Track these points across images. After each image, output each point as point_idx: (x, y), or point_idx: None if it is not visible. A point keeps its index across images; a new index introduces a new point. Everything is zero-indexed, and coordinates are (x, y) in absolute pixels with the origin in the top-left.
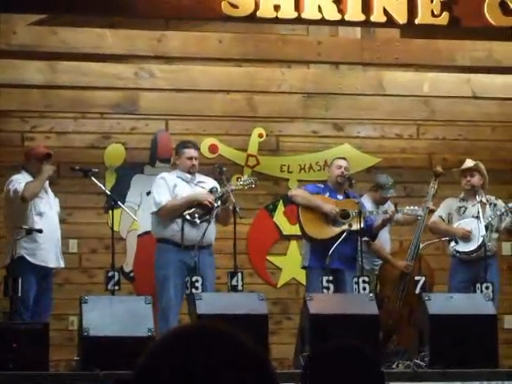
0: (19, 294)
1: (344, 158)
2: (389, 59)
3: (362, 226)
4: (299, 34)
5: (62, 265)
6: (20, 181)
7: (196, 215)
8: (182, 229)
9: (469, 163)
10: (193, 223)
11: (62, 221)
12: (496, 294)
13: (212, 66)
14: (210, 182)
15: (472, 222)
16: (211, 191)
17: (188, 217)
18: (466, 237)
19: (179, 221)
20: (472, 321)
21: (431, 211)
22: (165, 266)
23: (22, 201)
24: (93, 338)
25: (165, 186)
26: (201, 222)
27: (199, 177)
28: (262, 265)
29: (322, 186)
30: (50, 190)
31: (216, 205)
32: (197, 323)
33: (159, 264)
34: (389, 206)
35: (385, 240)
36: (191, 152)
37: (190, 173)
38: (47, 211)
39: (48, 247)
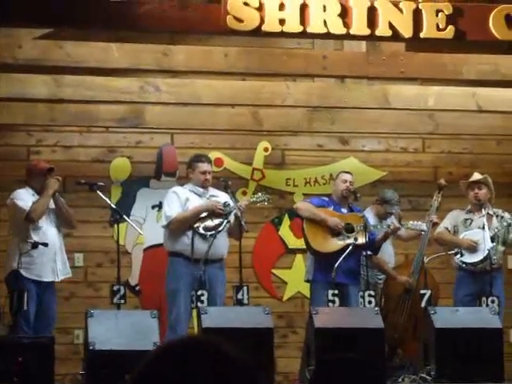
0: (17, 308)
1: (349, 172)
2: (394, 73)
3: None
4: (304, 48)
5: (59, 279)
6: (24, 198)
7: (208, 228)
8: (192, 242)
9: (477, 176)
10: (203, 236)
11: (67, 234)
12: (502, 308)
13: (217, 80)
14: (223, 196)
15: (478, 233)
16: (224, 205)
17: (201, 230)
18: (472, 248)
19: (189, 234)
20: (478, 335)
21: (435, 224)
22: (175, 279)
23: (28, 221)
24: (98, 351)
25: (176, 199)
26: (210, 236)
27: (212, 191)
28: (268, 278)
29: (327, 199)
30: (51, 202)
31: (227, 219)
32: (185, 336)
33: (170, 277)
34: (391, 222)
35: (389, 254)
36: (205, 166)
37: (203, 187)
38: (44, 225)
39: (42, 261)
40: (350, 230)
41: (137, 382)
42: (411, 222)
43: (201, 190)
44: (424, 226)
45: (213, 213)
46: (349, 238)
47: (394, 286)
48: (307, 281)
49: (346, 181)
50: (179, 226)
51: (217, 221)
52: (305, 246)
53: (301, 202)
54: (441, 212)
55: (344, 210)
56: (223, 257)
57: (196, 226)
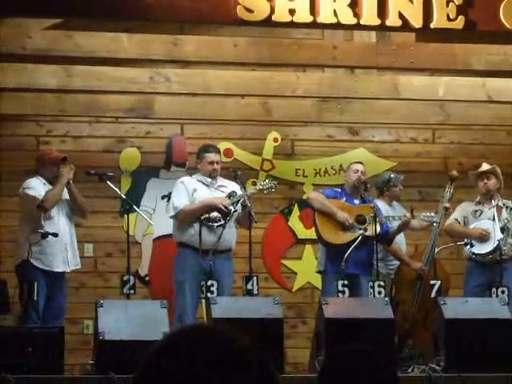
0: (27, 299)
1: (361, 162)
2: (404, 63)
3: (378, 231)
4: (314, 38)
5: (69, 269)
6: (37, 188)
7: (215, 220)
8: (200, 233)
9: (486, 166)
10: (210, 227)
11: (77, 225)
12: (511, 299)
13: (227, 70)
14: (232, 186)
15: (488, 223)
16: (229, 196)
17: (208, 222)
18: (483, 237)
19: (196, 225)
20: (487, 325)
21: (448, 210)
22: (182, 270)
23: (41, 210)
24: (108, 341)
25: (184, 190)
26: (217, 227)
27: (220, 181)
28: (277, 269)
29: (339, 190)
30: (64, 191)
31: (233, 209)
32: (188, 326)
33: (177, 268)
34: (400, 210)
35: (400, 242)
36: (212, 156)
37: (211, 177)
38: (56, 215)
39: (53, 252)
40: (362, 221)
41: (139, 379)
42: (423, 214)
43: (209, 180)
44: (436, 218)
45: (217, 208)
46: (360, 229)
47: (405, 276)
48: (319, 272)
49: (357, 170)
50: (186, 218)
51: (222, 212)
52: (315, 237)
53: (313, 192)
54: (452, 203)
55: (356, 201)
56: (231, 247)
57: (203, 217)
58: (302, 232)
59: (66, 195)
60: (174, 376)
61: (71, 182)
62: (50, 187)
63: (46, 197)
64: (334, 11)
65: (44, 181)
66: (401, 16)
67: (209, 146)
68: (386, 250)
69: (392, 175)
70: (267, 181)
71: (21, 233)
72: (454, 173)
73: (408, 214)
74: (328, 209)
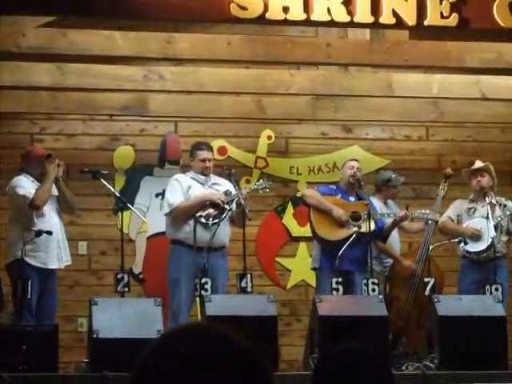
0: (21, 297)
1: (356, 160)
2: (398, 61)
3: (373, 227)
4: (308, 36)
5: (63, 266)
6: (26, 185)
7: (210, 217)
8: (195, 230)
9: (479, 164)
10: (205, 225)
11: (70, 223)
12: (505, 296)
13: (221, 68)
14: (226, 184)
15: (481, 221)
16: (225, 194)
17: (203, 219)
18: (476, 236)
19: (191, 222)
20: (481, 323)
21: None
22: (177, 267)
23: (33, 208)
24: (102, 339)
25: (178, 187)
26: (212, 224)
27: (214, 178)
28: (272, 267)
29: (334, 187)
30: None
31: (229, 207)
32: (183, 325)
33: (172, 265)
34: (395, 209)
35: (394, 240)
36: (204, 154)
37: (203, 174)
38: (47, 212)
39: (47, 249)
40: (356, 218)
41: (136, 380)
42: (418, 211)
43: (202, 177)
44: (431, 215)
45: (214, 203)
46: (355, 226)
47: (399, 273)
48: (314, 269)
49: (352, 167)
50: (181, 215)
51: (219, 208)
52: (309, 234)
53: (308, 189)
54: (446, 201)
55: (352, 198)
56: (225, 245)
57: (198, 214)
58: (296, 230)
59: (54, 191)
60: (173, 376)
61: (60, 179)
62: (38, 184)
63: (36, 195)
64: (328, 9)
65: (32, 178)
66: (394, 14)
67: (201, 143)
68: (377, 247)
69: (393, 175)
70: (262, 181)
71: (12, 231)
72: (449, 170)
73: (402, 213)
74: (323, 205)
